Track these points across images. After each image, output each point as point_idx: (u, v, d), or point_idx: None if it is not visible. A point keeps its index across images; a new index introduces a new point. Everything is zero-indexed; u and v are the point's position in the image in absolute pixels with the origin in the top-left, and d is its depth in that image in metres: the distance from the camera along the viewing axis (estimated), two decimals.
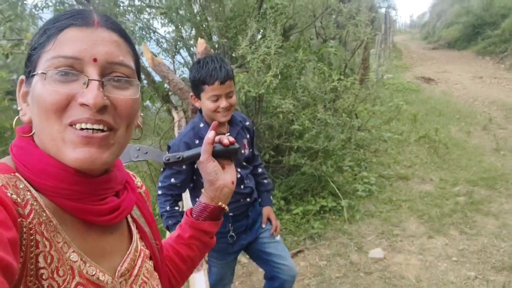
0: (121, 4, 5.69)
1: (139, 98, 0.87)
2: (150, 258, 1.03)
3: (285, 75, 5.46)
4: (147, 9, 5.92)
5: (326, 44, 7.09)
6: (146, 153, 1.20)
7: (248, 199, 2.67)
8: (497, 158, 6.99)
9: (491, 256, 4.29)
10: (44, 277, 0.74)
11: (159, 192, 2.53)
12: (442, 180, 6.14)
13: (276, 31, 4.81)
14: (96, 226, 0.87)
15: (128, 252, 0.94)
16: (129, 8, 5.74)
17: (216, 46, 5.52)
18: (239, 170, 2.60)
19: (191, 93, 2.52)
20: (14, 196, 0.73)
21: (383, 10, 23.35)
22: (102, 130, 0.81)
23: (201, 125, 2.47)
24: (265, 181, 2.88)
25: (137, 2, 6.05)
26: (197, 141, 2.42)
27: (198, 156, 1.15)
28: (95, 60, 0.79)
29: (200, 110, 2.52)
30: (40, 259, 0.74)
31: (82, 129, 0.79)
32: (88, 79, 0.78)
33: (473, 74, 15.85)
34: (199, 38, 4.21)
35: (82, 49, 0.79)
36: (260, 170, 2.87)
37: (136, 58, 0.91)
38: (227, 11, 5.66)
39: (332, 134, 5.31)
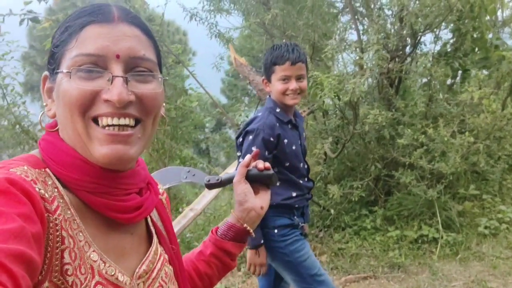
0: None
1: (162, 90, 0.89)
2: (170, 263, 1.03)
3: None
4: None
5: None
6: (194, 175, 1.31)
7: (308, 195, 2.60)
8: None
9: None
10: (69, 273, 0.75)
11: None
12: None
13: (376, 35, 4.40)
14: (117, 225, 0.88)
15: (147, 255, 0.94)
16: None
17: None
18: (301, 164, 2.54)
19: (263, 77, 2.55)
20: (42, 191, 0.75)
21: None
22: (128, 126, 0.82)
23: (277, 109, 2.46)
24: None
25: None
26: (277, 124, 2.42)
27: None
28: (118, 56, 0.81)
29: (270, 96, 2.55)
30: (66, 255, 0.76)
31: (108, 125, 0.81)
32: (112, 76, 0.80)
33: None
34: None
35: (104, 46, 0.80)
36: None
37: (157, 50, 0.91)
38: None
39: (449, 155, 4.55)
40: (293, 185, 2.49)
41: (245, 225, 1.17)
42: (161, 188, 1.14)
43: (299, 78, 2.41)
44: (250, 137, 2.40)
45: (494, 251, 4.44)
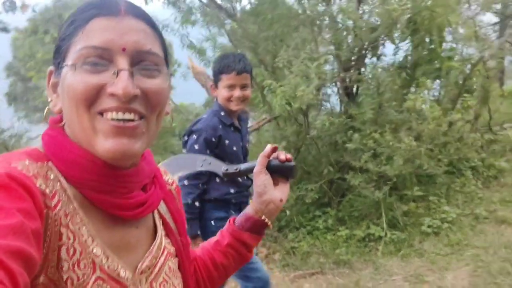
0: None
1: (169, 86, 0.88)
2: (176, 256, 1.01)
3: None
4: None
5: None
6: (210, 163, 1.30)
7: (246, 192, 2.85)
8: None
9: None
10: (64, 269, 0.75)
11: (185, 183, 2.60)
12: None
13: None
14: (122, 219, 0.87)
15: (150, 250, 0.93)
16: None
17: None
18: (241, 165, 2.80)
19: (211, 83, 2.83)
20: (43, 187, 0.74)
21: None
22: (133, 120, 0.81)
23: (222, 113, 2.71)
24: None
25: None
26: (220, 126, 2.66)
27: (254, 168, 1.17)
28: (124, 49, 0.79)
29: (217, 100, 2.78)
30: (63, 251, 0.75)
31: (112, 119, 0.79)
32: (118, 69, 0.79)
33: None
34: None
35: (110, 39, 0.79)
36: None
37: (164, 45, 0.90)
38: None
39: (395, 158, 4.84)
40: (232, 183, 2.74)
41: (263, 217, 1.15)
42: (170, 178, 1.12)
43: (243, 87, 2.66)
44: (194, 136, 2.67)
45: (435, 248, 4.72)
